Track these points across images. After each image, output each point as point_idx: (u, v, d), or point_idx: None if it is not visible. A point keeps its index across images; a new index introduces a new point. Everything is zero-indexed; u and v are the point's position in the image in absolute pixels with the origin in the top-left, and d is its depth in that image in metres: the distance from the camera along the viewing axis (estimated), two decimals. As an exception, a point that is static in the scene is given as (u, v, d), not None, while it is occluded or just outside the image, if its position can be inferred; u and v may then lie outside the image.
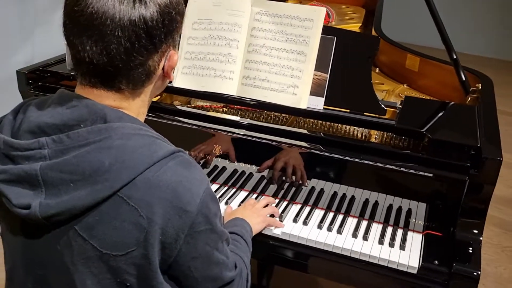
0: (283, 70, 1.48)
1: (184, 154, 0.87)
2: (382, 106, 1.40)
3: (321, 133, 1.46)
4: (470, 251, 1.22)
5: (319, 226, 1.36)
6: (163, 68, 0.91)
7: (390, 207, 1.40)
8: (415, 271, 1.22)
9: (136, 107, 0.91)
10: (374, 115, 1.41)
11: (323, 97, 1.46)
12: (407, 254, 1.26)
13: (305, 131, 1.46)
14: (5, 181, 0.82)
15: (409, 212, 1.38)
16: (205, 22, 1.57)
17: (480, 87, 1.64)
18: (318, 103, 1.47)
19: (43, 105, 0.87)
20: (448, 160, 1.25)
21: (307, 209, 1.44)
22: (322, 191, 1.44)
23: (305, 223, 1.37)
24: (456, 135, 1.31)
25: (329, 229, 1.35)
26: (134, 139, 0.83)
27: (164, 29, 0.86)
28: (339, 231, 1.34)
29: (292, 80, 1.47)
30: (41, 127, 0.84)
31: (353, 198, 1.42)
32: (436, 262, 1.21)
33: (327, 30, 1.46)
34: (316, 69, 1.47)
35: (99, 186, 0.79)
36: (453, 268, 1.18)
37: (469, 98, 1.62)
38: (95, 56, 0.81)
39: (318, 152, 1.39)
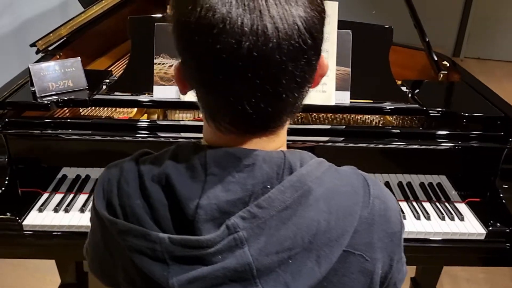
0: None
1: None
2: (405, 93, 1.48)
3: (346, 126, 1.48)
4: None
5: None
6: None
7: (422, 185, 1.49)
8: (483, 237, 1.33)
9: (284, 136, 0.72)
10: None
11: (348, 91, 1.47)
12: (469, 223, 1.36)
13: (329, 126, 1.46)
14: None
15: (440, 186, 1.49)
16: (210, 26, 1.43)
17: (448, 65, 1.83)
18: (345, 98, 1.48)
19: (190, 178, 0.65)
20: (486, 132, 1.39)
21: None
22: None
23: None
24: (482, 109, 1.46)
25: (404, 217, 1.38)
26: (326, 179, 0.68)
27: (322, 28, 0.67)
28: (404, 217, 1.38)
29: (319, 78, 1.44)
30: (222, 209, 0.63)
31: (387, 184, 1.48)
32: (498, 224, 1.34)
33: (342, 24, 1.47)
34: (338, 64, 1.46)
35: (326, 250, 0.65)
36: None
37: (441, 76, 1.80)
38: (259, 100, 0.61)
39: (353, 145, 1.41)
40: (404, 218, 1.37)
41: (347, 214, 0.67)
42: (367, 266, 0.69)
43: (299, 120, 1.56)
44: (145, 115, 1.57)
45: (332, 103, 1.45)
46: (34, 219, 1.31)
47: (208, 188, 0.63)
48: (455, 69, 1.79)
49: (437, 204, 1.44)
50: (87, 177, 1.46)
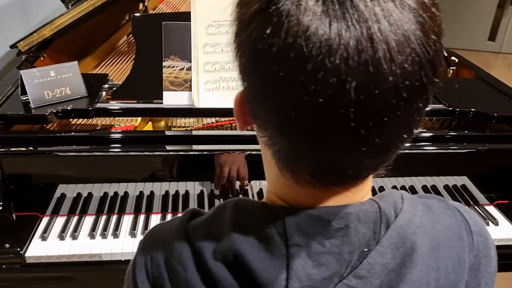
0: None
1: None
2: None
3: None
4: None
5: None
6: None
7: (447, 187, 1.44)
8: (519, 242, 1.29)
9: (371, 178, 0.56)
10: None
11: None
12: (504, 227, 1.32)
13: None
14: None
15: (465, 188, 1.44)
16: (225, 25, 1.30)
17: (456, 61, 1.79)
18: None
19: (266, 252, 0.51)
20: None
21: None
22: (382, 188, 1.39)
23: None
24: (506, 107, 1.41)
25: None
26: (426, 226, 0.57)
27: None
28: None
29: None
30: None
31: (412, 188, 1.41)
32: (533, 227, 1.30)
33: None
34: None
35: None
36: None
37: (450, 72, 1.76)
38: (359, 154, 0.46)
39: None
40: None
41: (457, 265, 0.56)
42: None
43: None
44: (149, 123, 1.43)
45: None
46: (38, 249, 1.14)
47: (295, 264, 0.49)
48: (465, 65, 1.75)
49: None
50: (90, 195, 1.30)
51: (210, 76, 1.30)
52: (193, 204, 1.31)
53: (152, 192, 1.32)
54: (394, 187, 1.39)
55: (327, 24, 0.41)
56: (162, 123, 1.42)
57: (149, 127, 1.42)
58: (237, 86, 1.29)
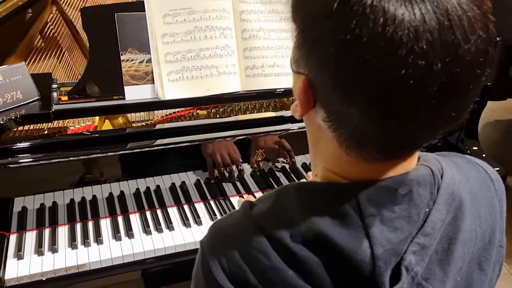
0: (289, 51, 1.38)
1: None
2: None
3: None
4: None
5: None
6: None
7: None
8: None
9: None
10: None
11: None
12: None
13: None
14: None
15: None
16: (182, 13, 1.28)
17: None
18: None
19: (343, 227, 0.54)
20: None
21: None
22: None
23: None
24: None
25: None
26: (463, 180, 0.63)
27: None
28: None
29: (300, 60, 1.40)
30: (397, 251, 0.55)
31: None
32: None
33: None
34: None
35: (485, 255, 0.63)
36: None
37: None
38: (436, 127, 0.52)
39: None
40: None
41: (491, 211, 0.64)
42: (502, 252, 0.68)
43: (277, 107, 1.50)
44: (106, 121, 1.36)
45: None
46: (17, 269, 1.05)
47: (374, 232, 0.53)
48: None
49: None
50: (55, 204, 1.22)
51: (173, 67, 1.27)
52: (167, 198, 1.29)
53: (122, 191, 1.27)
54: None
55: (411, 10, 0.44)
56: (121, 119, 1.36)
57: (107, 125, 1.35)
58: (202, 74, 1.29)
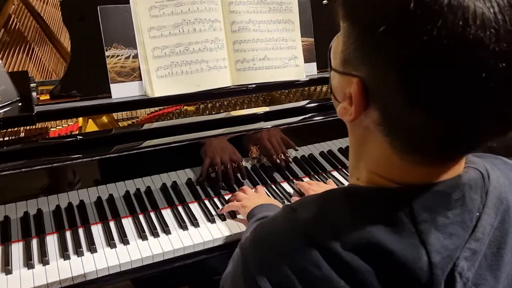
0: (279, 43, 1.35)
1: None
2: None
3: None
4: None
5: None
6: None
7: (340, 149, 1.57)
8: None
9: None
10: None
11: (315, 61, 1.43)
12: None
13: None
14: None
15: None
16: (169, 5, 1.21)
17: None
18: (312, 69, 1.43)
19: (396, 234, 0.52)
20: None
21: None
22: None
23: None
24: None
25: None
26: (509, 183, 0.62)
27: None
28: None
29: (291, 52, 1.36)
30: (452, 258, 0.53)
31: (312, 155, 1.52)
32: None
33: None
34: (302, 35, 1.40)
35: None
36: None
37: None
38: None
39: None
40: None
41: None
42: None
43: (266, 101, 1.46)
44: (90, 121, 1.28)
45: (304, 77, 1.39)
46: (7, 285, 0.98)
47: (430, 239, 0.51)
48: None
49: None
50: (39, 212, 1.14)
51: (161, 62, 1.21)
52: (159, 199, 1.24)
53: (111, 195, 1.20)
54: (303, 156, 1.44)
55: (491, 8, 0.42)
56: (105, 118, 1.29)
57: (91, 124, 1.27)
58: (193, 69, 1.23)
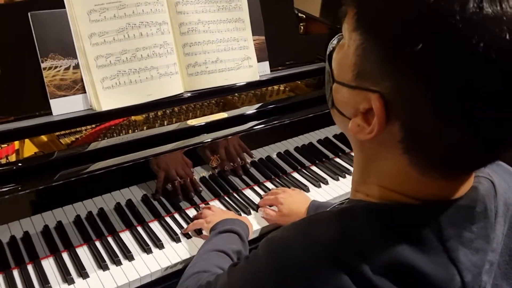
0: (230, 44, 1.27)
1: None
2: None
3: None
4: None
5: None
6: None
7: (319, 141, 1.56)
8: None
9: None
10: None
11: (267, 60, 1.38)
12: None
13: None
14: None
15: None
16: (111, 8, 1.10)
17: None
18: (265, 69, 1.38)
19: (424, 253, 0.49)
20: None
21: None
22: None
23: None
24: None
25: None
26: (505, 188, 0.62)
27: None
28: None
29: (243, 52, 1.30)
30: (483, 273, 0.52)
31: (288, 151, 1.49)
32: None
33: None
34: (253, 34, 1.34)
35: None
36: None
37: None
38: None
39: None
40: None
41: None
42: None
43: (219, 105, 1.39)
44: (27, 141, 1.13)
45: (258, 77, 1.34)
46: None
47: (459, 257, 0.49)
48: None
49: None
50: (26, 235, 1.01)
51: (106, 72, 1.09)
52: (115, 221, 1.13)
53: (59, 222, 1.08)
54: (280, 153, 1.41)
55: None
56: (44, 137, 1.14)
57: (28, 145, 1.13)
58: (142, 78, 1.13)
